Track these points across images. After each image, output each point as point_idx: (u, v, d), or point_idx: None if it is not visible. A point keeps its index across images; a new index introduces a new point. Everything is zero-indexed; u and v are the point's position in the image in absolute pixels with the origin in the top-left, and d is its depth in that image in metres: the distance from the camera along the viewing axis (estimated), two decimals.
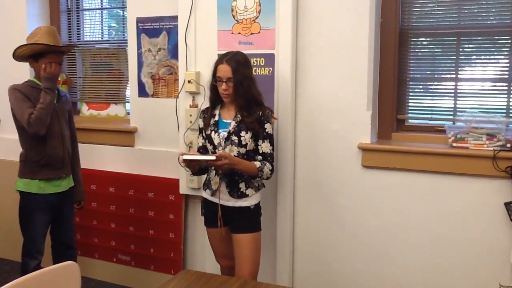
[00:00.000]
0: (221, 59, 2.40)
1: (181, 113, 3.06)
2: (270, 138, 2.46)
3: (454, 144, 2.55)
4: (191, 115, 3.00)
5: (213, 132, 2.47)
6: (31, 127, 2.59)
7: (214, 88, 2.47)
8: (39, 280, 1.64)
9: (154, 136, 3.31)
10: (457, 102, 2.69)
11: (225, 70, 2.36)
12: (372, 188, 2.71)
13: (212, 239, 2.60)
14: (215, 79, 2.42)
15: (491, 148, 2.46)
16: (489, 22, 2.62)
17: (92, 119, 3.72)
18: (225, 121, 2.47)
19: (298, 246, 2.92)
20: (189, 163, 2.32)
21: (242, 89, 2.36)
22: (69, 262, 1.75)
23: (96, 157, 3.50)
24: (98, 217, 3.50)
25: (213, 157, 2.24)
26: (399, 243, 2.69)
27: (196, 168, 2.42)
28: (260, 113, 2.42)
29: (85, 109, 3.78)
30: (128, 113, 3.55)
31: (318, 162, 2.81)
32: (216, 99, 2.50)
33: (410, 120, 2.83)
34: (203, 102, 2.96)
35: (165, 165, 3.26)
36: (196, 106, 3.00)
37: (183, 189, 3.14)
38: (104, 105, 3.71)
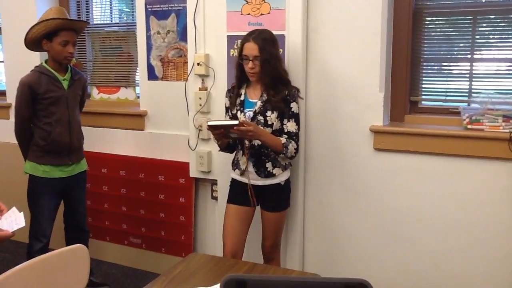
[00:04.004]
0: (248, 37, 2.36)
1: (191, 96, 3.03)
2: (296, 117, 2.42)
3: (469, 126, 2.49)
4: (200, 98, 2.97)
5: (239, 112, 2.44)
6: (15, 123, 2.82)
7: (240, 67, 2.43)
8: (47, 263, 1.64)
9: (164, 119, 3.30)
10: (472, 83, 2.62)
11: (252, 48, 2.32)
12: (384, 171, 2.67)
13: (229, 216, 2.51)
14: (242, 57, 2.38)
15: (507, 130, 2.39)
16: (506, 1, 2.53)
17: (102, 103, 3.71)
18: (251, 100, 2.45)
19: (309, 229, 2.90)
20: (214, 131, 2.29)
21: (270, 68, 2.33)
22: (78, 245, 1.75)
23: (106, 140, 3.50)
24: (109, 200, 3.51)
25: (236, 122, 2.23)
26: (411, 227, 2.65)
27: (224, 141, 2.42)
28: (286, 92, 2.39)
29: (95, 93, 3.77)
30: (138, 97, 3.53)
31: (329, 144, 2.77)
32: (242, 78, 2.46)
33: (423, 102, 2.77)
34: (213, 84, 2.94)
35: (175, 148, 3.25)
36: (206, 89, 2.97)
37: (193, 173, 3.13)
38: (114, 89, 3.70)
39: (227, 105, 2.54)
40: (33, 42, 2.73)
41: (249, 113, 2.42)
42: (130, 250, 3.50)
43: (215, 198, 3.12)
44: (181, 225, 3.26)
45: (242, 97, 2.46)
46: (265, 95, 2.39)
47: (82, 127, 2.95)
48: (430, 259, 2.64)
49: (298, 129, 2.44)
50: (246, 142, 2.42)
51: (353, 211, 2.78)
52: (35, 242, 2.80)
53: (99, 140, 3.48)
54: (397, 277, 2.72)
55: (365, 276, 1.01)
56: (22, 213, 1.74)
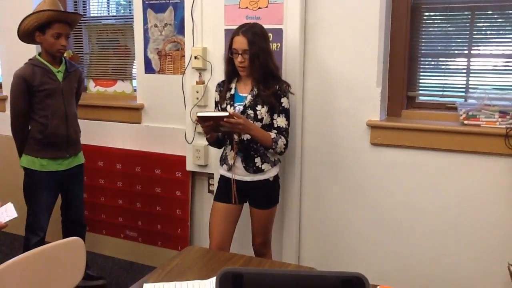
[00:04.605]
0: (238, 30, 2.34)
1: (188, 90, 3.03)
2: (286, 112, 2.40)
3: (466, 122, 2.49)
4: (197, 92, 2.97)
5: (228, 106, 2.42)
6: (11, 119, 2.79)
7: (230, 61, 2.41)
8: (43, 256, 1.64)
9: (161, 112, 3.29)
10: (470, 79, 2.62)
11: (241, 42, 2.31)
12: (381, 166, 2.67)
13: (215, 214, 2.50)
14: (231, 51, 2.37)
15: (504, 126, 2.40)
16: None
17: (99, 96, 3.70)
18: (241, 94, 2.43)
19: (305, 223, 2.91)
20: (204, 123, 2.27)
21: (259, 62, 2.31)
22: (74, 237, 1.75)
23: (103, 134, 3.49)
24: (106, 193, 3.51)
25: (226, 113, 2.21)
26: (407, 221, 2.66)
27: (213, 135, 2.40)
28: (277, 87, 2.37)
29: (92, 86, 3.75)
30: (135, 90, 3.52)
31: (326, 139, 2.77)
32: (232, 72, 2.44)
33: (421, 97, 2.77)
34: (210, 78, 2.93)
35: (172, 142, 3.24)
36: (203, 83, 2.97)
37: (190, 166, 3.13)
38: (111, 82, 3.68)
39: (216, 100, 2.52)
40: (26, 34, 2.71)
41: (239, 107, 2.40)
42: (126, 243, 3.50)
43: (211, 191, 3.12)
44: (177, 218, 3.26)
45: (232, 91, 2.44)
46: (255, 89, 2.37)
47: (79, 120, 2.95)
48: (426, 253, 2.64)
49: (288, 124, 2.42)
50: (235, 136, 2.40)
51: (349, 205, 2.78)
52: (31, 235, 2.79)
53: (96, 133, 3.47)
54: (393, 272, 2.73)
55: (361, 270, 1.01)
56: (11, 204, 1.74)
